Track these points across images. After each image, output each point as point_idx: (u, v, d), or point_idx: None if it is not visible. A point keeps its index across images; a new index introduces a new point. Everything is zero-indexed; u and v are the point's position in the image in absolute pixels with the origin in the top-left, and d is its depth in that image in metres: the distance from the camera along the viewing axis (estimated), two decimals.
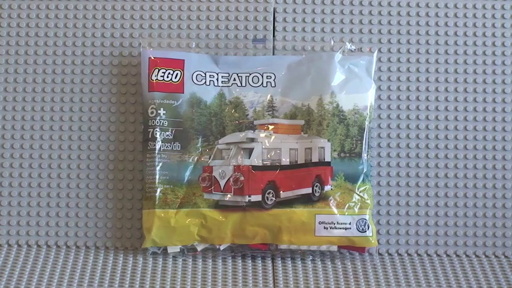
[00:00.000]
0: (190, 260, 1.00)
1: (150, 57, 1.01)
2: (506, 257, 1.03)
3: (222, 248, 1.00)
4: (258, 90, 1.02)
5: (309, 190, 0.99)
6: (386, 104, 1.05)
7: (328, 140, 1.00)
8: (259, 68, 1.02)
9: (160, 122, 1.00)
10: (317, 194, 0.99)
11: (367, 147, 1.00)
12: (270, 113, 1.01)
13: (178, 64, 1.01)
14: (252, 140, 1.00)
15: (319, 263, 1.00)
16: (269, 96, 1.01)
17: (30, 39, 1.05)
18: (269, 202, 0.99)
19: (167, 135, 1.00)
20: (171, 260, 1.00)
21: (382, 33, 1.06)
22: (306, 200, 0.99)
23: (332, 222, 0.98)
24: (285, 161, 1.00)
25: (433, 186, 1.04)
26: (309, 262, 1.00)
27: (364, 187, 0.99)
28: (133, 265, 0.99)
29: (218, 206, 0.99)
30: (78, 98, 1.05)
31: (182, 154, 1.00)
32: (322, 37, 1.06)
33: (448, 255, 1.03)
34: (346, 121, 1.00)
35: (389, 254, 1.03)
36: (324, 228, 0.98)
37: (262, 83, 1.02)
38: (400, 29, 1.06)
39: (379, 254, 1.03)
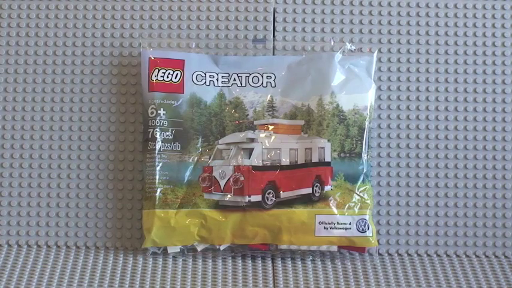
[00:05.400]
0: (190, 260, 1.00)
1: (150, 57, 1.01)
2: (506, 257, 1.03)
3: (222, 248, 1.00)
4: (258, 90, 1.02)
5: (309, 190, 0.99)
6: (386, 104, 1.05)
7: (328, 140, 1.00)
8: (259, 68, 1.02)
9: (160, 122, 1.00)
10: (317, 194, 0.99)
11: (367, 147, 1.00)
12: (270, 113, 1.01)
13: (178, 64, 1.01)
14: (252, 140, 1.00)
15: (319, 263, 1.00)
16: (269, 96, 1.01)
17: (30, 39, 1.05)
18: (269, 202, 0.99)
19: (167, 135, 1.00)
20: (171, 260, 1.00)
21: (382, 33, 1.06)
22: (306, 200, 0.99)
23: (332, 223, 0.98)
24: (285, 161, 1.00)
25: (433, 186, 1.04)
26: (309, 262, 1.00)
27: (364, 187, 0.99)
28: (133, 265, 0.99)
29: (218, 206, 0.99)
30: (78, 98, 1.05)
31: (182, 154, 1.00)
32: (322, 37, 1.06)
33: (448, 255, 1.03)
34: (346, 121, 1.00)
35: (390, 254, 1.03)
36: (324, 228, 0.98)
37: (262, 83, 1.02)
38: (400, 29, 1.06)
39: (379, 254, 1.03)
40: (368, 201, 0.99)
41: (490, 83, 1.06)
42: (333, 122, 1.00)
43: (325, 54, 1.03)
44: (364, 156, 1.00)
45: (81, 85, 1.05)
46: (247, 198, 0.98)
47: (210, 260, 1.00)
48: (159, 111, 1.00)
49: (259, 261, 1.00)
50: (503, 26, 1.06)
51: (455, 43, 1.06)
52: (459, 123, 1.05)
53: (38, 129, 1.04)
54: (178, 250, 1.00)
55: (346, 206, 0.99)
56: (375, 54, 1.03)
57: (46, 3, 1.06)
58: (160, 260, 1.00)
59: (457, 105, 1.05)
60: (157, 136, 0.99)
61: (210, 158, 1.00)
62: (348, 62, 1.02)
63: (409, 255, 1.03)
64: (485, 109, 1.05)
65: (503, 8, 1.07)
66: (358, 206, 0.99)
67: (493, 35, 1.06)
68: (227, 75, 1.02)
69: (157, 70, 1.00)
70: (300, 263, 1.00)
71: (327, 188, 0.99)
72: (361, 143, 1.00)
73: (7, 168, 1.04)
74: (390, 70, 1.06)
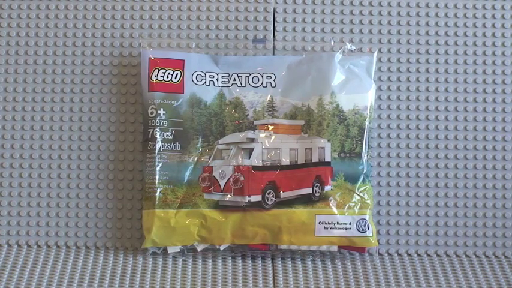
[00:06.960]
0: (190, 260, 1.00)
1: (150, 58, 1.01)
2: (506, 257, 1.03)
3: (222, 248, 1.00)
4: (258, 90, 1.02)
5: (309, 190, 0.99)
6: (386, 104, 1.05)
7: (328, 140, 1.00)
8: (259, 68, 1.02)
9: (160, 122, 1.00)
10: (317, 194, 0.99)
11: (367, 147, 1.00)
12: (270, 113, 1.01)
13: (178, 64, 1.01)
14: (252, 140, 1.00)
15: (319, 263, 1.00)
16: (269, 96, 1.01)
17: (30, 39, 1.05)
18: (269, 202, 0.99)
19: (167, 135, 1.00)
20: (171, 260, 1.00)
21: (382, 33, 1.06)
22: (306, 200, 0.99)
23: (332, 223, 0.98)
24: (285, 161, 1.00)
25: (433, 186, 1.04)
26: (309, 262, 1.00)
27: (364, 187, 0.99)
28: (133, 265, 0.99)
29: (218, 206, 0.99)
30: (78, 98, 1.05)
31: (182, 154, 1.00)
32: (322, 37, 1.06)
33: (448, 255, 1.03)
34: (346, 121, 1.00)
35: (390, 254, 1.03)
36: (324, 228, 0.98)
37: (262, 83, 1.02)
38: (400, 29, 1.06)
39: (379, 254, 1.03)
40: (368, 201, 0.99)
41: (490, 83, 1.06)
42: (333, 122, 1.00)
43: (325, 54, 1.03)
44: (364, 156, 1.00)
45: (81, 85, 1.05)
46: (247, 198, 0.98)
47: (210, 260, 1.00)
48: (159, 111, 1.00)
49: (259, 261, 1.00)
50: (503, 26, 1.06)
51: (455, 43, 1.06)
52: (459, 123, 1.05)
53: (38, 129, 1.04)
54: (178, 250, 1.00)
55: (346, 206, 0.99)
56: (375, 54, 1.03)
57: (46, 3, 1.06)
58: (160, 260, 1.00)
59: (457, 105, 1.05)
60: (157, 136, 0.99)
61: (210, 158, 1.00)
62: (348, 62, 1.02)
63: (409, 255, 1.03)
64: (485, 109, 1.05)
65: (503, 8, 1.07)
66: (358, 206, 0.99)
67: (493, 35, 1.06)
68: (227, 75, 1.02)
69: (157, 70, 1.00)
70: (300, 263, 1.00)
71: (327, 188, 0.99)
72: (361, 143, 1.00)
73: (7, 168, 1.04)
74: (390, 70, 1.06)
